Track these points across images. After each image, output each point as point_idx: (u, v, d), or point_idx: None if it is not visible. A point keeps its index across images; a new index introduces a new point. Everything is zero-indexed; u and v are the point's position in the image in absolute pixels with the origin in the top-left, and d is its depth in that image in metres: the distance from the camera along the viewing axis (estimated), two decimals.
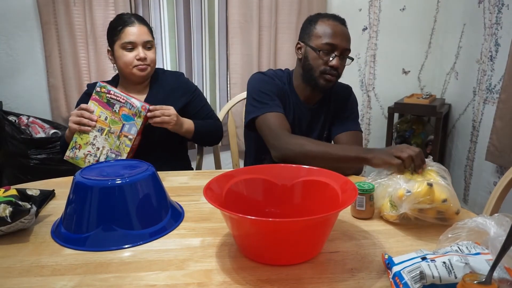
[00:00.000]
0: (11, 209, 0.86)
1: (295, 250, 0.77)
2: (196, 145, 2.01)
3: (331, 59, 1.30)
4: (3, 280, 0.74)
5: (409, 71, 2.80)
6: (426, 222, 0.90)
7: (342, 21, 1.34)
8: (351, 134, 1.41)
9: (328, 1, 2.62)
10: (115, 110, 1.33)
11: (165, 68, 2.06)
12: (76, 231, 0.88)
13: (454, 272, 0.63)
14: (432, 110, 2.44)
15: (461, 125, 2.55)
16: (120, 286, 0.72)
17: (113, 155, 1.33)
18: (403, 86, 2.80)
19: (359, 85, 2.79)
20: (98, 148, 1.33)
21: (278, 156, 1.25)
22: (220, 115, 1.74)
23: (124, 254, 0.83)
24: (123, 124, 1.33)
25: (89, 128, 1.32)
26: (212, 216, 0.99)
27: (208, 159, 2.19)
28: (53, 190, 1.14)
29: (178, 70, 2.51)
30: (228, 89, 2.68)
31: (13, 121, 2.38)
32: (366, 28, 2.71)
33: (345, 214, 0.98)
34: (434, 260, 0.66)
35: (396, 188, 0.92)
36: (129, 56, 1.43)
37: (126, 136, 1.33)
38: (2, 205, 0.86)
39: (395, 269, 0.68)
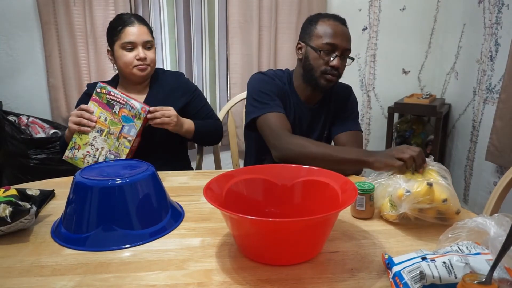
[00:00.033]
0: (11, 209, 0.86)
1: (295, 250, 0.77)
2: (196, 145, 2.01)
3: (331, 59, 1.30)
4: (3, 280, 0.74)
5: (409, 71, 2.80)
6: (426, 222, 0.90)
7: (342, 21, 1.34)
8: (351, 134, 1.42)
9: (328, 1, 2.62)
10: (115, 111, 1.33)
11: (165, 68, 2.06)
12: (76, 231, 0.88)
13: (454, 272, 0.63)
14: (432, 110, 2.44)
15: (461, 125, 2.55)
16: (120, 286, 0.72)
17: (112, 156, 1.33)
18: (403, 86, 2.80)
19: (359, 85, 2.79)
20: (97, 149, 1.33)
21: (278, 156, 1.25)
22: (220, 115, 1.74)
23: (124, 254, 0.83)
24: (123, 126, 1.33)
25: (89, 129, 1.32)
26: (212, 216, 0.99)
27: (208, 159, 2.19)
28: (53, 190, 1.14)
29: (178, 70, 2.51)
30: (228, 89, 2.68)
31: (13, 121, 2.38)
32: (366, 28, 2.71)
33: (345, 214, 0.98)
34: (434, 260, 0.66)
35: (395, 188, 0.92)
36: (129, 56, 1.43)
37: (125, 138, 1.33)
38: (2, 205, 0.86)
39: (395, 269, 0.68)
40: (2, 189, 0.98)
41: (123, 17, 1.47)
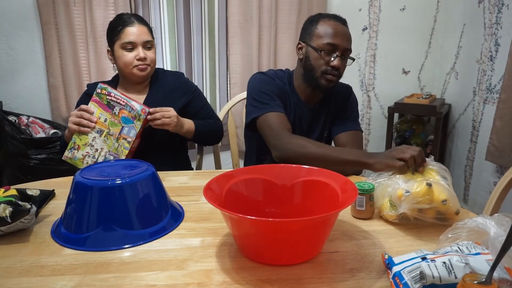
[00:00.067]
0: (11, 209, 0.86)
1: (295, 250, 0.77)
2: (196, 145, 2.01)
3: (332, 59, 1.30)
4: (3, 280, 0.74)
5: (409, 71, 2.80)
6: (426, 222, 0.90)
7: (343, 21, 1.34)
8: (351, 134, 1.41)
9: (328, 1, 2.62)
10: (115, 112, 1.33)
11: (165, 68, 2.06)
12: (76, 231, 0.88)
13: (454, 272, 0.63)
14: (432, 110, 2.44)
15: (461, 125, 2.55)
16: (120, 286, 0.72)
17: (111, 157, 1.33)
18: (403, 86, 2.80)
19: (359, 85, 2.79)
20: (96, 150, 1.33)
21: (279, 156, 1.25)
22: (220, 115, 1.74)
23: (124, 254, 0.83)
24: (122, 127, 1.33)
25: (89, 129, 1.32)
26: (212, 216, 0.99)
27: (208, 159, 2.19)
28: (53, 190, 1.14)
29: (178, 70, 2.51)
30: (228, 89, 2.68)
31: (13, 121, 2.38)
32: (366, 28, 2.71)
33: (345, 214, 0.98)
34: (434, 260, 0.66)
35: (395, 188, 0.92)
36: (129, 56, 1.43)
37: (125, 139, 1.33)
38: (2, 205, 0.86)
39: (395, 269, 0.68)
40: (2, 189, 0.98)
41: (123, 17, 1.47)
